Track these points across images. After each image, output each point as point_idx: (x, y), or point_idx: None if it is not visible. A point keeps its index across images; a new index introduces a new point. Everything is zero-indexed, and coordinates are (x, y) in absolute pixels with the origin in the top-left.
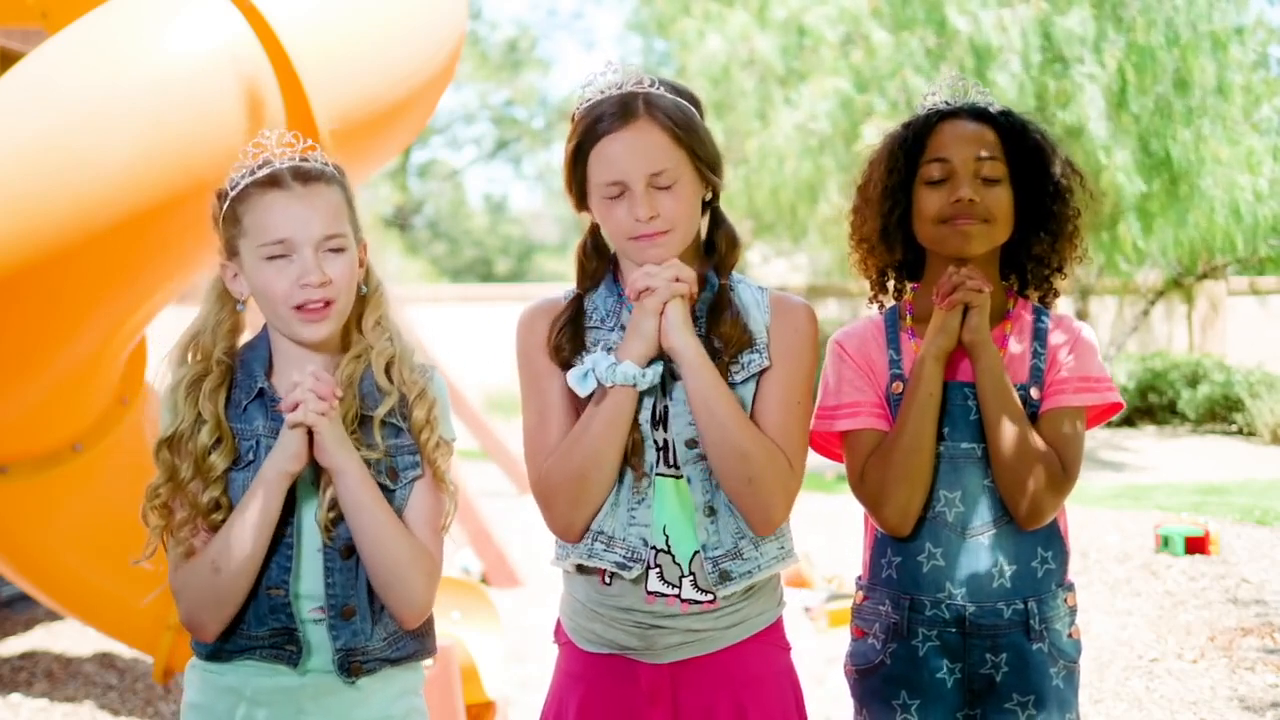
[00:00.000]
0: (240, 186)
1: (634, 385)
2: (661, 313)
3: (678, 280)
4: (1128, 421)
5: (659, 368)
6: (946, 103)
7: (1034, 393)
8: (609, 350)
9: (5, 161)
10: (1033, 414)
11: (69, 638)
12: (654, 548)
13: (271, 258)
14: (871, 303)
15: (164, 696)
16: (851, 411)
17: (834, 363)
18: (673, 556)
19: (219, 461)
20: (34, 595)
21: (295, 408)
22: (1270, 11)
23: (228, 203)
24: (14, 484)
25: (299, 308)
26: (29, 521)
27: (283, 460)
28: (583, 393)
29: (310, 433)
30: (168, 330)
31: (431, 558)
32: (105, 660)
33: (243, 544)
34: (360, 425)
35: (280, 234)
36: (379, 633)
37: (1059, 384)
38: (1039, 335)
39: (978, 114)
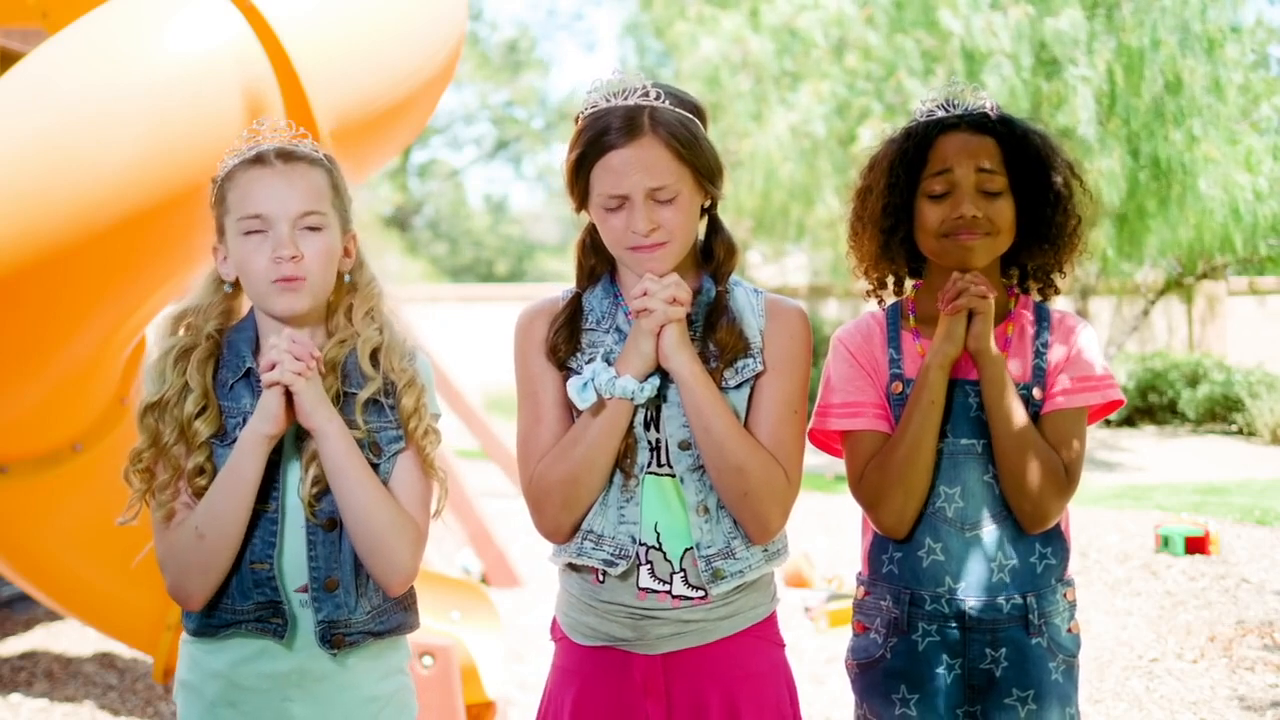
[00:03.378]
0: (228, 168)
1: (632, 399)
2: (659, 333)
3: (675, 302)
4: (1128, 421)
5: (656, 381)
6: (945, 108)
7: (1036, 393)
8: (607, 358)
9: (5, 161)
10: (1035, 413)
11: (69, 638)
12: (644, 545)
13: (249, 233)
14: (870, 296)
15: (164, 696)
16: (851, 412)
17: (835, 361)
18: (664, 553)
19: (203, 429)
20: (34, 595)
21: (272, 368)
22: (1270, 11)
23: (218, 185)
24: (14, 484)
25: (274, 281)
26: (29, 521)
27: (261, 422)
28: (582, 405)
29: (290, 396)
30: None
31: (415, 524)
32: (105, 660)
33: (225, 508)
34: (342, 405)
35: (257, 208)
36: (363, 606)
37: (1060, 385)
38: (1040, 334)
39: (978, 124)
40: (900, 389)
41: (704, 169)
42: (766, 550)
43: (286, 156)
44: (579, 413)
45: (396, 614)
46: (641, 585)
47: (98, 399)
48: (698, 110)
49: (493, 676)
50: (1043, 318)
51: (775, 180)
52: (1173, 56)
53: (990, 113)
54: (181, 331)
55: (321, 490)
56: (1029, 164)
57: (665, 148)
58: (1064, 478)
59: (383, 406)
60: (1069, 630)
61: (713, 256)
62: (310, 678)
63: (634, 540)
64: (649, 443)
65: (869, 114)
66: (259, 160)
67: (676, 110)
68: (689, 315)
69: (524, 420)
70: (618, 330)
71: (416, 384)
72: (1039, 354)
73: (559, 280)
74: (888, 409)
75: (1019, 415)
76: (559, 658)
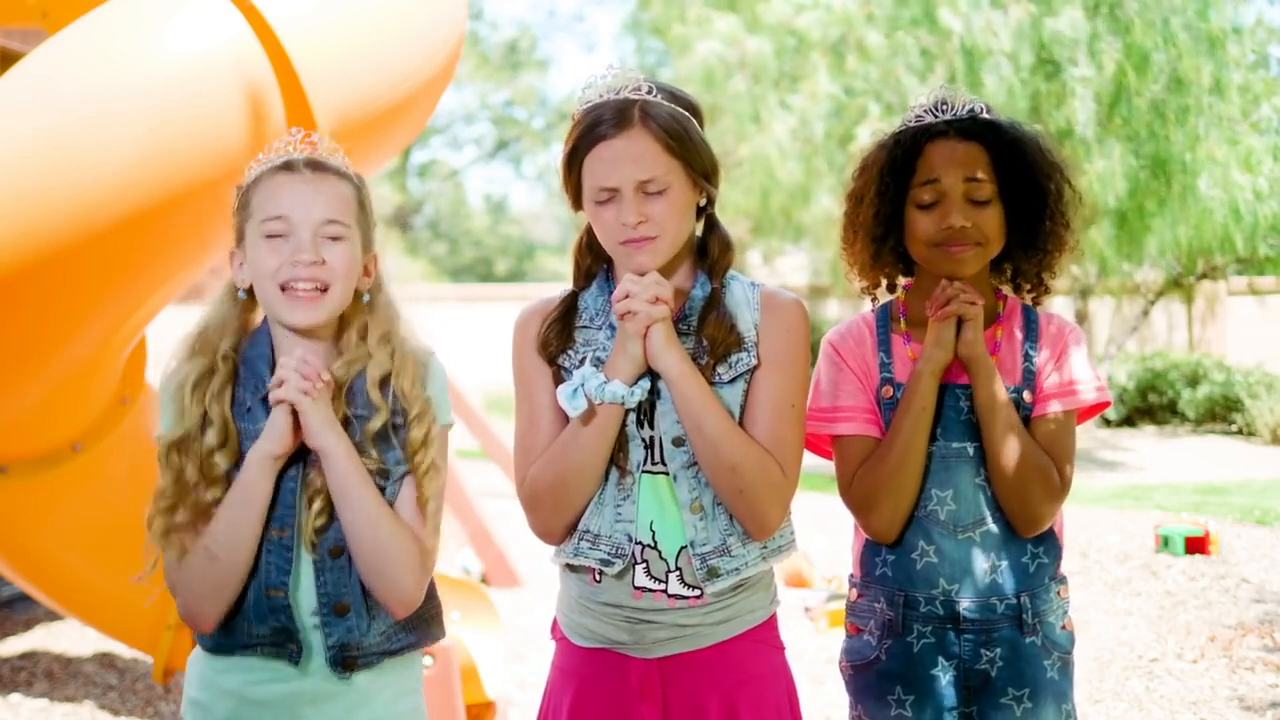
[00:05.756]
0: (255, 175)
1: (622, 404)
2: (645, 334)
3: (658, 301)
4: (1128, 421)
5: (646, 384)
6: (934, 113)
7: (1026, 396)
8: (598, 360)
9: (5, 161)
10: (1025, 417)
11: (69, 638)
12: (640, 543)
13: (270, 236)
14: (865, 293)
15: (164, 696)
16: (840, 417)
17: (828, 366)
18: (659, 552)
19: (221, 462)
20: (34, 595)
21: (280, 385)
22: (1270, 11)
23: (242, 191)
24: (14, 484)
25: (285, 288)
26: (29, 521)
27: (267, 441)
28: (573, 413)
29: (298, 416)
30: (168, 330)
31: (422, 546)
32: (105, 660)
33: (234, 528)
34: (348, 428)
35: (281, 210)
36: (376, 627)
37: (1049, 388)
38: (1029, 338)
39: (966, 131)
40: (891, 393)
41: (696, 164)
42: (765, 547)
43: (316, 166)
44: None
45: (412, 632)
46: (637, 584)
47: (98, 399)
48: (692, 108)
49: (493, 676)
50: (1031, 322)
51: (774, 181)
52: (1181, 54)
53: (978, 114)
54: (199, 352)
55: (326, 522)
56: (1017, 170)
57: (655, 140)
58: (1057, 482)
59: (389, 439)
60: (1063, 628)
61: (708, 254)
62: (323, 696)
63: (630, 539)
64: (643, 440)
65: (867, 114)
66: (287, 167)
67: (669, 105)
68: (682, 311)
69: (520, 422)
70: (611, 327)
71: (428, 416)
72: (1027, 358)
73: (559, 280)
74: (877, 413)
75: (1012, 421)
76: (558, 658)
